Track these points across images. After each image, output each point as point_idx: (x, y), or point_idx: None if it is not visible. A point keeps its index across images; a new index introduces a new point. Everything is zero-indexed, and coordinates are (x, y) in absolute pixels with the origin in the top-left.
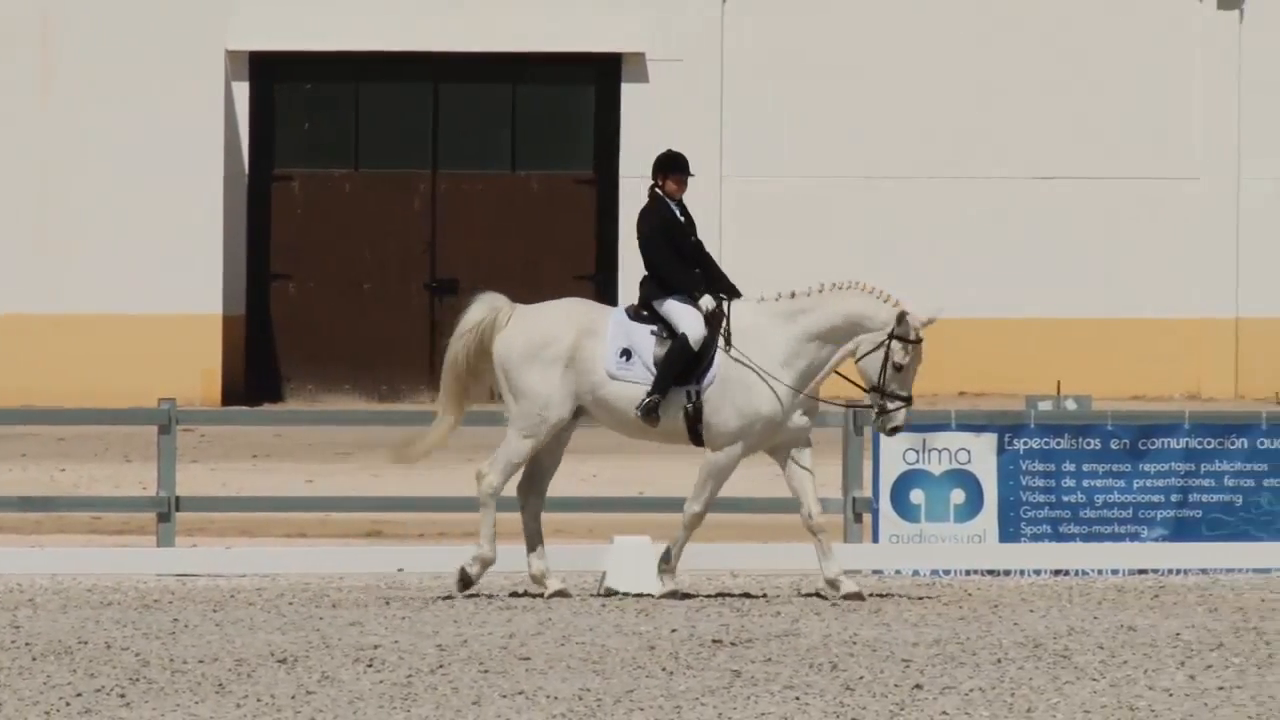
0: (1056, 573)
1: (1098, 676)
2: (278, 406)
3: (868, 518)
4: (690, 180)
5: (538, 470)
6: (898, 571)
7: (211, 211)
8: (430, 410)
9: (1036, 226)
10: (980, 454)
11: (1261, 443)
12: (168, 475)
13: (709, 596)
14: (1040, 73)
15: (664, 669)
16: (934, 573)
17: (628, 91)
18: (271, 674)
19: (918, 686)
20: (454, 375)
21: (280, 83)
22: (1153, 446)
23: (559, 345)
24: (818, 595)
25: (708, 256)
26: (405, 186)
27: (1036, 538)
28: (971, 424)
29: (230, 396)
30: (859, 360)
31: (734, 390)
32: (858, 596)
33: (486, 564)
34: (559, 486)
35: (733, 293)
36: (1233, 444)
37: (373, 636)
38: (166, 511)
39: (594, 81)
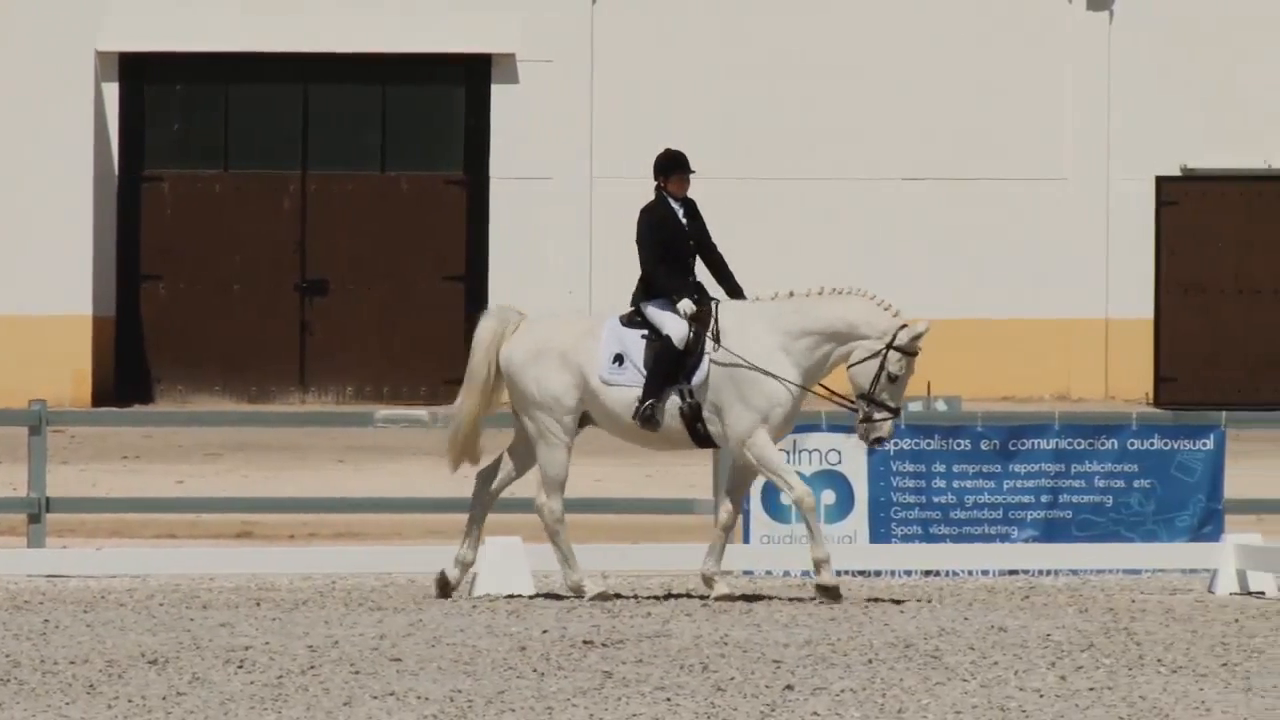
0: (927, 573)
1: (968, 677)
2: (148, 408)
3: (739, 519)
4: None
5: (504, 466)
6: (769, 572)
7: (81, 212)
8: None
9: (907, 227)
10: (851, 455)
11: (1131, 443)
12: (38, 476)
13: (578, 598)
14: (911, 74)
15: (535, 670)
16: (805, 574)
17: (498, 92)
18: (142, 675)
19: (789, 687)
20: (477, 384)
21: (150, 84)
22: (1023, 447)
23: (555, 347)
24: (688, 595)
25: (716, 256)
26: (275, 187)
27: (907, 538)
28: (842, 425)
29: (101, 397)
30: (851, 366)
31: (740, 385)
32: (729, 598)
33: (578, 588)
34: (430, 487)
35: (736, 293)
36: (1103, 445)
37: (243, 637)
38: (37, 512)
39: (464, 82)
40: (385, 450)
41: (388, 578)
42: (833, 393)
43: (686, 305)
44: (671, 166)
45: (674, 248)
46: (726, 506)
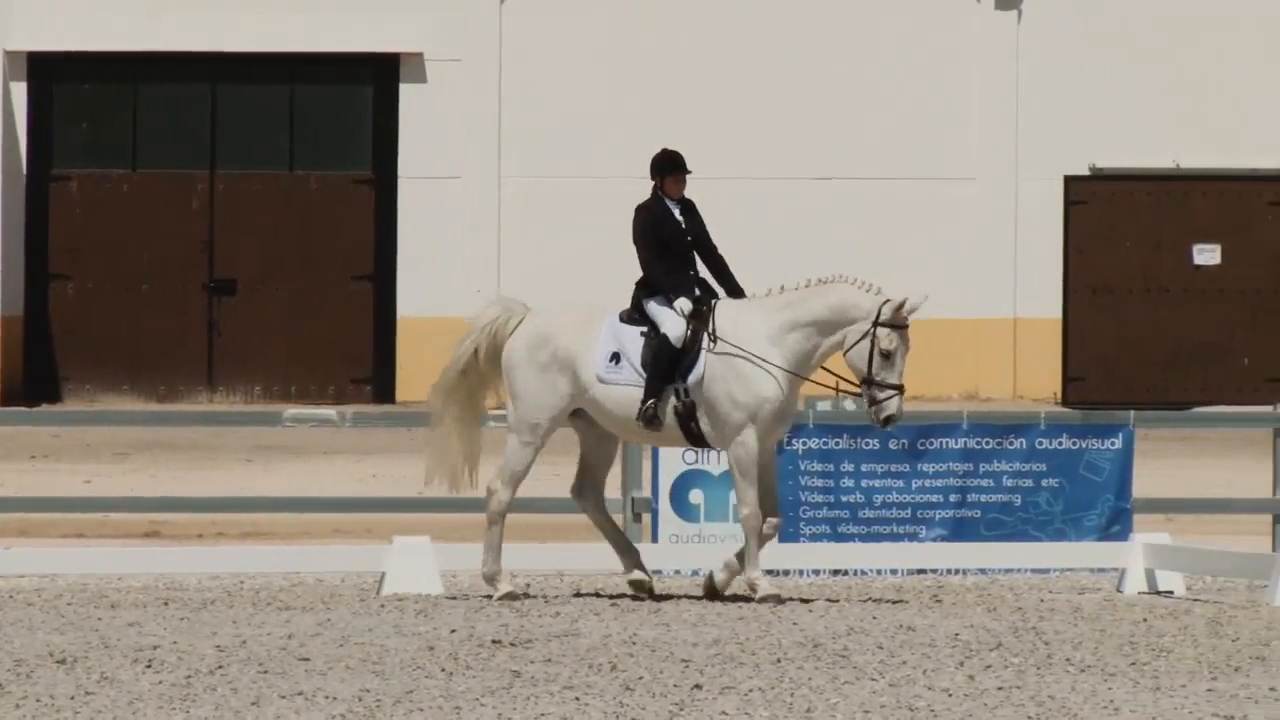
0: (835, 573)
1: (877, 676)
2: (56, 407)
3: (647, 517)
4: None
5: (588, 469)
6: (677, 571)
7: None
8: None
9: (816, 227)
10: None
11: (1040, 443)
12: None
13: (487, 597)
14: (820, 73)
15: (443, 670)
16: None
17: (406, 91)
18: (50, 674)
19: (697, 686)
20: (454, 375)
21: (58, 83)
22: (931, 447)
23: (551, 347)
24: (596, 595)
25: (715, 256)
26: (183, 187)
27: (815, 538)
28: None
29: (8, 397)
30: (847, 352)
31: (729, 383)
32: (776, 598)
33: (491, 579)
34: (338, 486)
35: (736, 293)
36: (1011, 444)
37: (151, 637)
38: None
39: (372, 81)
40: (293, 450)
41: (296, 577)
42: (839, 379)
43: (684, 304)
44: (668, 166)
45: (672, 246)
46: (769, 519)
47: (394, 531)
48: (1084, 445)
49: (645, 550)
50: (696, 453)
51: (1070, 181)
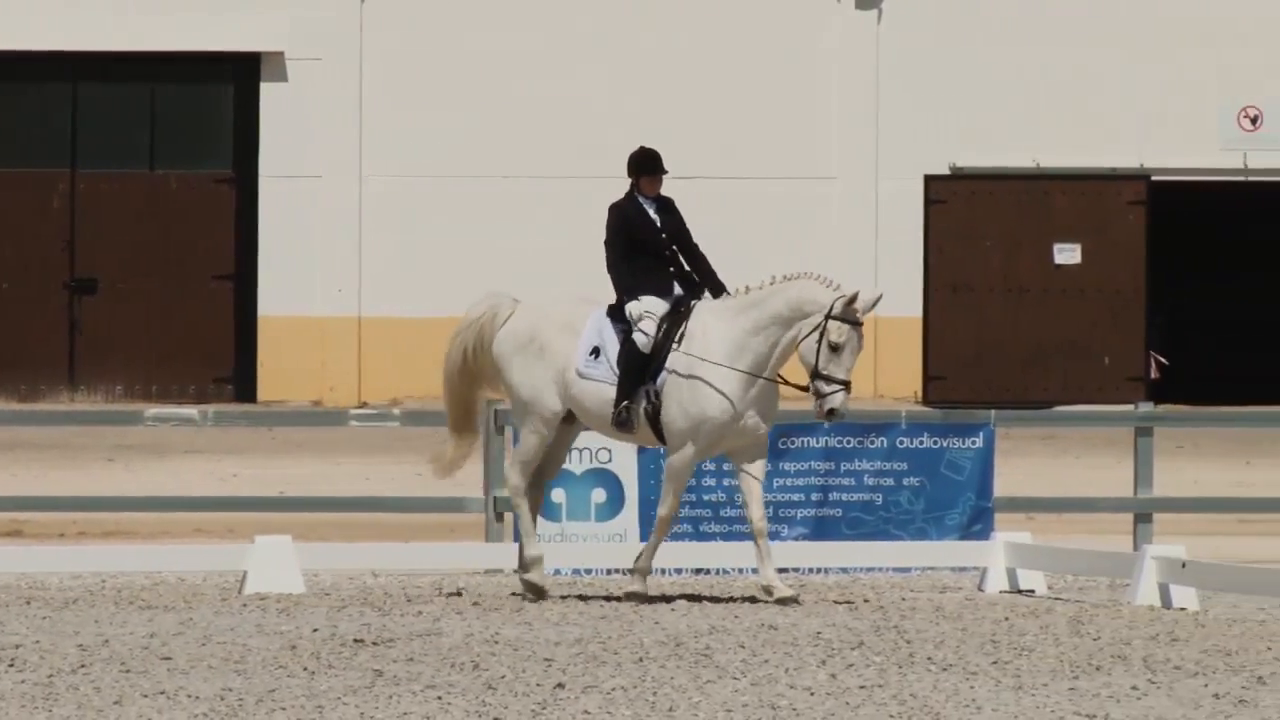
0: (698, 571)
1: (739, 675)
2: None
3: (509, 516)
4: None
5: (541, 465)
6: None
7: None
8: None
9: None
10: (621, 454)
11: (901, 442)
12: None
13: (350, 596)
14: (680, 73)
15: (306, 669)
16: (576, 571)
17: (267, 91)
18: None
19: (560, 685)
20: (452, 374)
21: None
22: (793, 446)
23: (538, 341)
24: (459, 594)
25: (696, 254)
26: (44, 185)
27: (678, 536)
28: None
29: None
30: (799, 344)
31: (681, 390)
32: (793, 600)
33: (538, 562)
34: (200, 486)
35: (719, 291)
36: (872, 443)
37: (14, 636)
38: None
39: (233, 80)
40: (155, 449)
41: (158, 576)
42: (784, 381)
43: (635, 308)
44: (643, 166)
45: (647, 246)
46: (753, 513)
47: (256, 531)
48: (945, 444)
49: (508, 550)
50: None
51: (930, 181)
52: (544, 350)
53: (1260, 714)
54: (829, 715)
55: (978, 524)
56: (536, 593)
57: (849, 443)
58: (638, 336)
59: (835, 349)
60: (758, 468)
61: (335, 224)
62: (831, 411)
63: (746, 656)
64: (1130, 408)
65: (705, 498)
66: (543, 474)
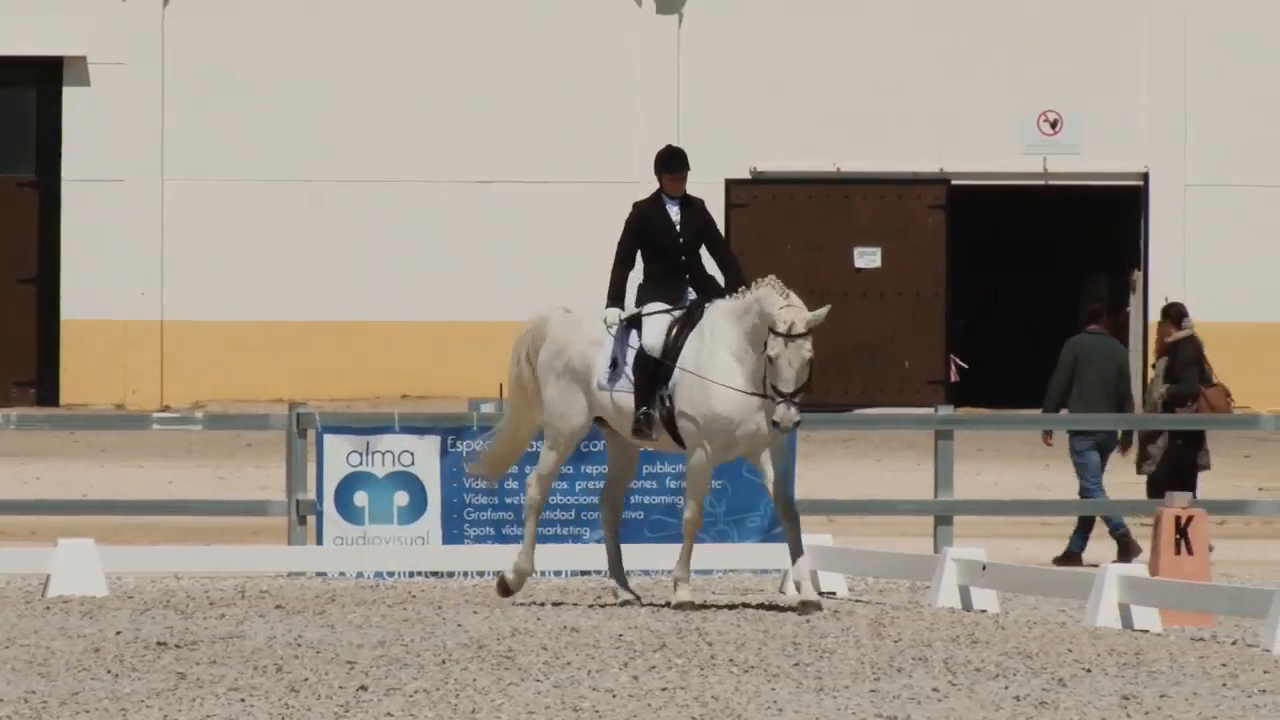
0: (500, 574)
1: (542, 677)
2: None
3: (312, 519)
4: (683, 179)
5: (611, 479)
6: (342, 574)
7: None
8: None
9: (486, 230)
10: (424, 456)
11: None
12: None
13: (153, 598)
14: (483, 76)
15: (110, 671)
16: (378, 574)
17: (69, 94)
18: None
19: (363, 688)
20: (512, 383)
21: None
22: (596, 449)
23: (565, 356)
24: (261, 596)
25: (724, 257)
26: None
27: (480, 539)
28: (415, 427)
29: None
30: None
31: (692, 392)
32: (816, 606)
33: (523, 575)
34: (2, 488)
35: (734, 288)
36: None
37: None
38: None
39: (35, 84)
40: None
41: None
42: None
43: (611, 314)
44: (666, 164)
45: (660, 246)
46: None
47: (58, 533)
48: None
49: (311, 553)
50: (360, 454)
51: (731, 185)
52: (570, 366)
53: (1060, 716)
54: (631, 717)
55: (779, 527)
56: (503, 591)
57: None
58: (645, 340)
59: (773, 362)
60: (777, 471)
61: (138, 228)
62: (774, 423)
63: (549, 659)
64: (930, 411)
65: (507, 501)
66: (615, 491)
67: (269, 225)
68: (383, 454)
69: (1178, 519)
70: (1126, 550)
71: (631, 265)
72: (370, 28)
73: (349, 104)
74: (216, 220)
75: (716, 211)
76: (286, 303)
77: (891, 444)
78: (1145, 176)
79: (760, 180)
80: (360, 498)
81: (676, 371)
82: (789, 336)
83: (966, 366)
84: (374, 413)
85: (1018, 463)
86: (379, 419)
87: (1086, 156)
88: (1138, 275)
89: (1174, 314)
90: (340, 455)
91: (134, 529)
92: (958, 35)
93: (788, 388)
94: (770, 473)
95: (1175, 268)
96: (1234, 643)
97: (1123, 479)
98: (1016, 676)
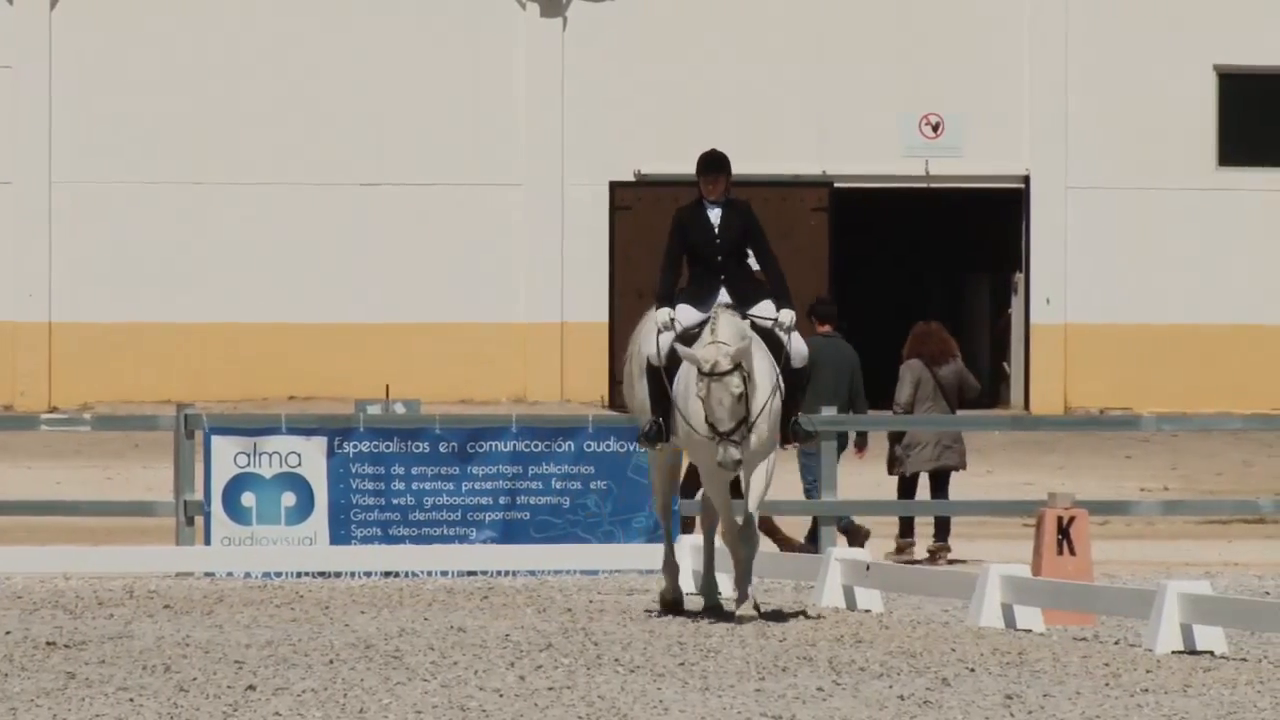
0: (387, 575)
1: (429, 677)
2: None
3: (200, 520)
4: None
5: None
6: (230, 574)
7: None
8: None
9: (366, 233)
10: (310, 457)
11: (588, 445)
12: None
13: (42, 599)
14: (366, 76)
15: None
16: (266, 575)
17: None
18: None
19: (251, 688)
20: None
21: None
22: (481, 450)
23: (636, 358)
24: (150, 596)
25: (764, 261)
26: None
27: (367, 540)
28: (302, 428)
29: None
30: None
31: (677, 423)
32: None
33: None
34: None
35: (780, 298)
36: (560, 447)
37: None
38: None
39: None
40: None
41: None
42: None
43: (663, 315)
44: (700, 169)
45: (698, 251)
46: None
47: None
48: (631, 448)
49: (199, 553)
50: (248, 455)
51: (616, 187)
52: (639, 366)
53: (944, 715)
54: (518, 716)
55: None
56: (670, 606)
57: (537, 447)
58: (644, 348)
59: (704, 402)
60: (752, 481)
61: (25, 229)
62: (719, 463)
63: (436, 659)
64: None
65: (394, 501)
66: (706, 498)
67: (155, 227)
68: (270, 455)
69: (1060, 519)
70: (855, 535)
71: (676, 269)
72: (259, 31)
73: (239, 104)
74: (103, 221)
75: (602, 214)
76: (173, 304)
77: None
78: (1026, 179)
79: (644, 183)
80: (248, 498)
81: (678, 381)
82: (713, 375)
83: None
84: (261, 414)
85: None
86: (266, 420)
87: (968, 159)
88: (1019, 277)
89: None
90: (228, 456)
91: (22, 529)
92: (839, 38)
93: (723, 426)
94: (750, 488)
95: (1056, 269)
96: (1116, 642)
97: (854, 480)
98: (901, 676)
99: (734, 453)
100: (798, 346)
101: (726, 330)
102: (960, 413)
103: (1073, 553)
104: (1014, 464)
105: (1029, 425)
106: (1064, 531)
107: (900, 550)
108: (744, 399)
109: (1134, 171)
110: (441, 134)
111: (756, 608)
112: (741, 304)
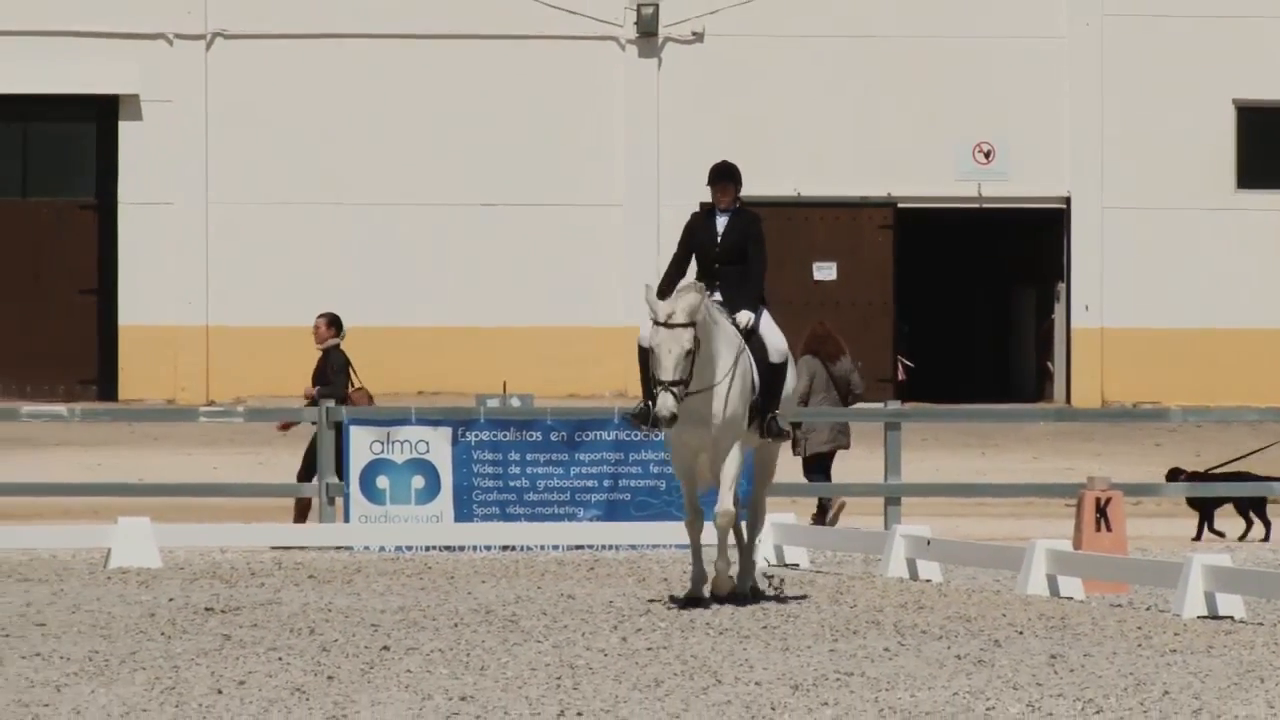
0: (505, 548)
1: (542, 639)
2: None
3: (340, 500)
4: (725, 195)
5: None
6: (366, 548)
7: None
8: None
9: (485, 246)
10: (437, 445)
11: None
12: None
13: (201, 570)
14: (486, 110)
15: (163, 633)
16: (398, 549)
17: (125, 129)
18: None
19: (385, 648)
20: None
21: None
22: (587, 438)
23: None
24: (295, 568)
25: (748, 263)
26: None
27: (487, 517)
28: (429, 419)
29: None
30: None
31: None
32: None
33: (699, 582)
34: (68, 474)
35: (741, 305)
36: (656, 436)
37: None
38: None
39: (94, 119)
40: (29, 441)
41: (32, 553)
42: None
43: (663, 307)
44: (709, 179)
45: (700, 253)
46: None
47: (118, 513)
48: None
49: (339, 530)
50: (382, 444)
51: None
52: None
53: (996, 672)
54: (620, 674)
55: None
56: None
57: (636, 435)
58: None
59: (652, 352)
60: (724, 470)
61: (185, 244)
62: (656, 414)
63: (548, 622)
64: (880, 405)
65: (511, 484)
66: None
67: (298, 241)
68: (401, 443)
69: (1098, 500)
70: (823, 512)
71: (680, 268)
72: (388, 71)
73: (370, 135)
74: (253, 237)
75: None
76: (315, 309)
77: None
78: (1068, 200)
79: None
80: (382, 481)
81: None
82: (667, 325)
83: (912, 366)
84: (393, 407)
85: (956, 451)
86: (398, 412)
87: (1015, 182)
88: (1061, 286)
89: (336, 322)
90: (364, 444)
91: (184, 509)
92: (901, 76)
93: (664, 375)
94: (721, 478)
95: (1094, 279)
96: (1148, 609)
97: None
98: (958, 638)
99: (669, 402)
100: (775, 342)
101: (687, 297)
102: (1008, 405)
103: (1109, 529)
104: (1056, 451)
105: (1070, 417)
106: (1101, 511)
107: (835, 513)
108: (691, 358)
109: (1162, 193)
110: (552, 160)
111: (753, 589)
112: (730, 305)
